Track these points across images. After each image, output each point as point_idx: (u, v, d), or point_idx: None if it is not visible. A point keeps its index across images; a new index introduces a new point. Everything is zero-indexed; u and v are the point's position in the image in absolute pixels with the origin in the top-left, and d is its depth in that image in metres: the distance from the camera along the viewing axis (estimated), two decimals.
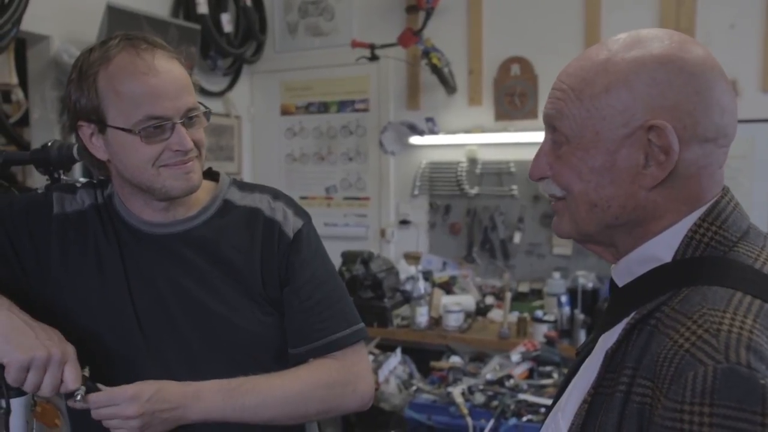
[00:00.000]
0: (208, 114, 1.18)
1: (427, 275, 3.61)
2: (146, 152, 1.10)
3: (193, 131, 1.13)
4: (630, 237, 0.82)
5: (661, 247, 0.80)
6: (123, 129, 1.09)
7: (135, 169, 1.12)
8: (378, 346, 3.18)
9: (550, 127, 0.85)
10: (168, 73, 1.10)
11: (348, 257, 3.46)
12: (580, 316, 3.08)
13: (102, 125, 1.11)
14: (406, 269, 3.65)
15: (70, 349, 1.05)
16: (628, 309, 0.80)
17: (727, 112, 0.78)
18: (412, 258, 3.89)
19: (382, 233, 4.08)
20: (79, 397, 1.05)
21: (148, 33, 1.16)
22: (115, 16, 2.89)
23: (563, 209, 0.86)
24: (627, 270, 0.84)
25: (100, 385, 1.08)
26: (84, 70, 1.11)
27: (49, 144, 1.33)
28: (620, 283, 0.86)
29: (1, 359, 1.01)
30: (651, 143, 0.77)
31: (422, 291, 3.38)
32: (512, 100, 3.72)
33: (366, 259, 3.44)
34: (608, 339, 0.83)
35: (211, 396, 1.11)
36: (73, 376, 1.04)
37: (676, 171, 0.77)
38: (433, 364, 2.96)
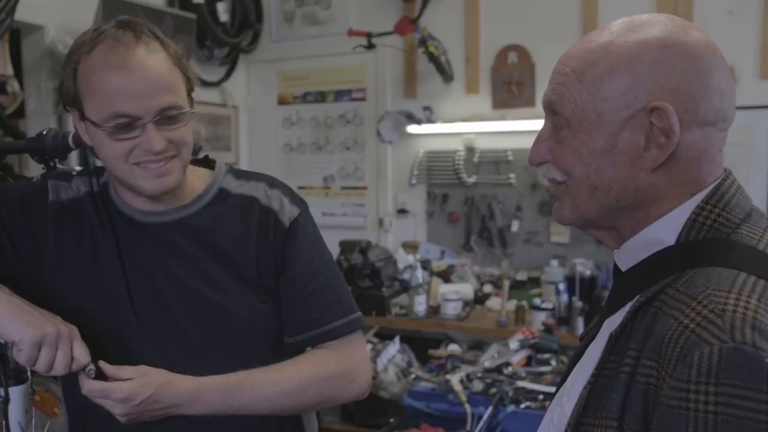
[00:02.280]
0: (187, 113, 1.12)
1: (425, 264, 3.61)
2: (115, 148, 1.08)
3: (171, 131, 1.09)
4: (631, 220, 0.82)
5: (665, 231, 0.80)
6: (93, 123, 1.08)
7: (108, 162, 1.12)
8: (376, 335, 3.18)
9: (551, 112, 0.85)
10: (140, 69, 1.05)
11: (346, 246, 3.46)
12: (578, 304, 3.09)
13: (81, 115, 1.11)
14: (404, 258, 3.65)
15: (74, 327, 1.06)
16: (632, 293, 0.81)
17: (726, 96, 0.79)
18: (410, 247, 3.89)
19: (380, 222, 4.08)
20: (92, 373, 1.05)
21: (144, 21, 1.13)
22: (109, 6, 2.88)
23: (563, 194, 0.86)
24: (630, 254, 0.84)
25: (102, 363, 1.08)
26: (71, 54, 1.10)
27: (44, 133, 1.32)
28: (623, 268, 0.86)
29: (13, 338, 1.01)
30: (652, 125, 0.77)
31: (420, 280, 3.38)
32: (509, 89, 3.71)
33: (364, 248, 3.44)
34: (612, 323, 0.83)
35: (208, 396, 1.11)
36: (82, 351, 1.05)
37: (676, 154, 0.78)
38: (432, 352, 2.97)
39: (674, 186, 0.79)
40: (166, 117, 1.08)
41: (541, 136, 0.87)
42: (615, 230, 0.85)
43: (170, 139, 1.09)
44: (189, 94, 1.14)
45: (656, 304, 0.76)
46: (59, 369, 1.03)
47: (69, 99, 1.11)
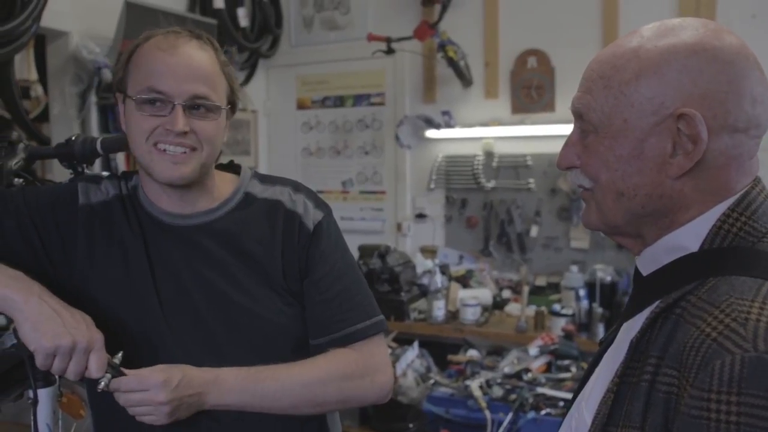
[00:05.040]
0: (219, 109, 1.16)
1: (444, 269, 3.61)
2: (141, 124, 1.12)
3: (198, 122, 1.13)
4: (656, 228, 0.82)
5: (689, 236, 0.79)
6: (129, 96, 1.13)
7: (133, 141, 1.15)
8: (395, 340, 3.18)
9: (578, 117, 0.84)
10: (185, 56, 1.12)
11: (365, 251, 3.46)
12: (599, 310, 3.06)
13: (123, 95, 1.16)
14: (422, 263, 3.65)
15: (98, 337, 1.07)
16: (652, 298, 0.80)
17: (759, 102, 0.77)
18: (429, 252, 3.89)
19: (399, 227, 4.08)
20: (102, 384, 1.06)
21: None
22: (133, 12, 2.91)
23: (590, 199, 0.86)
24: (652, 259, 0.83)
25: (126, 371, 1.09)
26: (129, 49, 1.17)
27: (73, 138, 1.34)
28: (645, 272, 0.85)
29: (29, 345, 1.03)
30: (680, 132, 0.76)
31: (439, 285, 3.38)
32: (529, 93, 3.70)
33: (383, 252, 3.44)
34: (631, 328, 0.83)
35: (230, 380, 1.12)
36: (96, 365, 1.05)
37: (704, 161, 0.77)
38: (451, 357, 2.96)
39: (701, 193, 0.78)
40: (197, 105, 1.13)
41: (569, 141, 0.87)
42: (640, 238, 0.85)
43: (195, 129, 1.13)
44: (230, 103, 1.20)
45: (677, 311, 0.75)
46: (71, 377, 1.06)
47: (117, 84, 1.17)
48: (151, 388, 1.07)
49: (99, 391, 1.06)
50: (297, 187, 1.27)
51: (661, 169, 0.78)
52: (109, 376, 1.06)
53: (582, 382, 0.95)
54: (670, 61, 0.76)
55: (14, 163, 1.27)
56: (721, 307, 0.70)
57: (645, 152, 0.78)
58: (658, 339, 0.75)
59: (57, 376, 1.18)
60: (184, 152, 1.13)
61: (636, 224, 0.83)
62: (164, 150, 1.12)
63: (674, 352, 0.71)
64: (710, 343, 0.68)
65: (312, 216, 1.23)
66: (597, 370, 0.90)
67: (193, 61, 1.13)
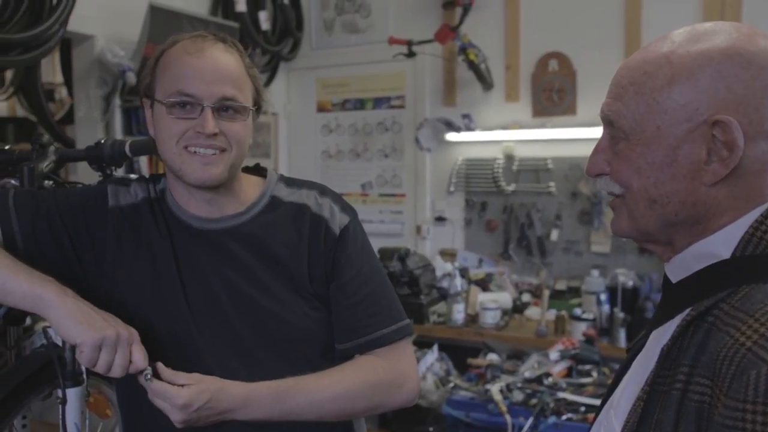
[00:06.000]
0: (247, 110, 1.17)
1: (463, 272, 3.60)
2: (172, 127, 1.13)
3: (227, 123, 1.14)
4: (688, 235, 0.81)
5: (720, 243, 0.78)
6: (158, 100, 1.14)
7: (163, 145, 1.16)
8: (415, 343, 3.17)
9: (608, 124, 0.84)
10: (213, 59, 1.13)
11: (384, 254, 3.46)
12: (620, 315, 3.04)
13: (151, 100, 1.17)
14: (442, 266, 3.64)
15: (134, 331, 1.08)
16: (683, 305, 0.79)
17: None
18: (448, 255, 3.88)
19: (418, 230, 4.08)
20: (149, 376, 1.07)
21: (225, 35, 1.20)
22: (157, 16, 2.94)
23: (621, 206, 0.85)
24: (682, 265, 0.82)
25: (160, 366, 1.09)
26: (156, 55, 1.18)
27: (102, 141, 1.36)
28: (674, 279, 0.84)
29: (75, 340, 1.04)
30: (715, 138, 0.75)
31: (459, 288, 3.37)
32: (550, 96, 3.68)
33: (403, 255, 3.44)
34: (661, 335, 0.82)
35: (259, 401, 1.12)
36: (140, 356, 1.07)
37: (740, 167, 0.75)
38: (471, 361, 2.95)
39: (736, 200, 0.77)
40: (225, 107, 1.14)
41: (598, 148, 0.86)
42: (671, 245, 0.84)
43: (224, 130, 1.14)
44: (255, 105, 1.20)
45: (709, 319, 0.74)
46: (117, 371, 1.06)
47: (144, 89, 1.19)
48: (170, 406, 1.07)
49: (147, 380, 1.07)
50: (323, 190, 1.28)
51: (695, 176, 0.77)
52: (150, 368, 1.07)
53: (610, 389, 0.94)
54: (703, 67, 0.75)
55: (45, 165, 1.29)
56: (755, 316, 0.69)
57: (678, 159, 0.77)
58: (690, 347, 0.74)
59: (85, 376, 1.19)
60: (214, 153, 1.14)
61: (668, 231, 0.82)
62: (195, 152, 1.13)
63: (707, 361, 0.71)
64: (745, 353, 0.67)
65: (338, 220, 1.23)
66: (626, 378, 0.89)
67: (220, 64, 1.14)
